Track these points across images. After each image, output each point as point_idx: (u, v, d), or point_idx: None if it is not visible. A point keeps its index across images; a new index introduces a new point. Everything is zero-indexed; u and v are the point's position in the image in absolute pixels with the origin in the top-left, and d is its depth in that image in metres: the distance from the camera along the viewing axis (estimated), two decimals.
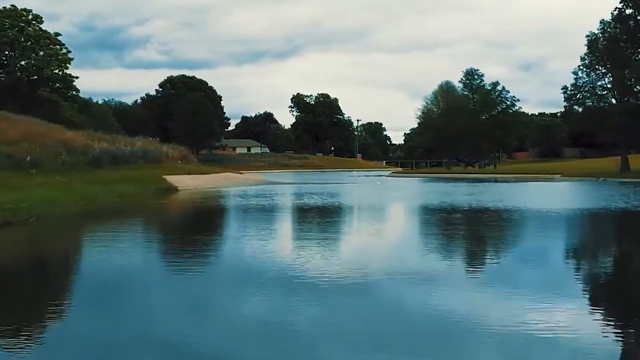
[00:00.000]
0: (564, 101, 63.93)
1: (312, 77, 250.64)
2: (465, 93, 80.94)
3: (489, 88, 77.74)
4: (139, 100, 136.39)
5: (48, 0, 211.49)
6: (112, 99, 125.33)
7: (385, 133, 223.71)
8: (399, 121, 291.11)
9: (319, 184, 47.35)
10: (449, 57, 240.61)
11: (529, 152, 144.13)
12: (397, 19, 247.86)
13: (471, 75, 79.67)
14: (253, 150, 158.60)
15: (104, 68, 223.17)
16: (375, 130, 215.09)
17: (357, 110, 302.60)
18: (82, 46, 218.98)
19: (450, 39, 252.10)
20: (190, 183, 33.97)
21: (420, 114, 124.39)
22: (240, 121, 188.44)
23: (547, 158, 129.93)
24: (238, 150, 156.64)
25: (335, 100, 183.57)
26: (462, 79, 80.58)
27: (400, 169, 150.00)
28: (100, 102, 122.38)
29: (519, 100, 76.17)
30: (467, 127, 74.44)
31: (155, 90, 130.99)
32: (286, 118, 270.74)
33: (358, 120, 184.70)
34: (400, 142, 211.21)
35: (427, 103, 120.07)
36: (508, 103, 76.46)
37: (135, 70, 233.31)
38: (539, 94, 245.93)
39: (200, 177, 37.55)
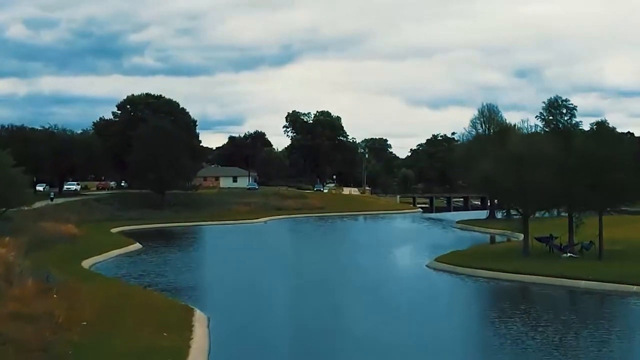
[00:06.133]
0: None
1: (308, 83, 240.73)
2: (547, 132, 53.06)
3: (587, 129, 49.45)
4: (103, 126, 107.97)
5: (44, 6, 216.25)
6: (55, 125, 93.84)
7: (390, 150, 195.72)
8: (400, 127, 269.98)
9: None
10: (446, 63, 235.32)
11: None
12: (394, 25, 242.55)
13: (555, 107, 51.86)
14: (240, 181, 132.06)
15: (101, 75, 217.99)
16: (379, 147, 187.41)
17: (355, 115, 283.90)
18: (79, 53, 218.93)
19: (446, 46, 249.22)
20: None
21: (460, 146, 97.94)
22: (227, 142, 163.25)
23: None
24: (222, 182, 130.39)
25: (338, 118, 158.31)
26: (541, 113, 52.21)
27: (420, 209, 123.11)
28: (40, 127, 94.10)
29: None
30: (552, 186, 47.11)
31: (112, 112, 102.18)
32: (281, 132, 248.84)
33: (365, 146, 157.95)
34: (405, 154, 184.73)
35: (465, 134, 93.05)
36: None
37: (132, 77, 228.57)
38: (535, 101, 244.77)
39: None
